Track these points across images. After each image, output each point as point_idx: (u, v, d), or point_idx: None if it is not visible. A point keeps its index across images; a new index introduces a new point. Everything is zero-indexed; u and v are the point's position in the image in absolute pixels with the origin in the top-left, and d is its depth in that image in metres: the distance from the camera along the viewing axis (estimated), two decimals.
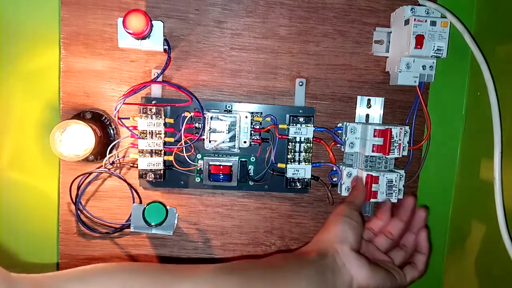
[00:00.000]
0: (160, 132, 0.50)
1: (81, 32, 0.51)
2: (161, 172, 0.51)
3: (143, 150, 0.50)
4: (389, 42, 0.54)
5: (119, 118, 0.50)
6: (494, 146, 0.47)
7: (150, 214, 0.51)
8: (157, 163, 0.51)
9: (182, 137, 0.51)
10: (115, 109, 0.49)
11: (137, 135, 0.50)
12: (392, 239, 0.48)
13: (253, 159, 0.54)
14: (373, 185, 0.50)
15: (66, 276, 0.31)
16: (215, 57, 0.53)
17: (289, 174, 0.52)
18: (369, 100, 0.55)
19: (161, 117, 0.50)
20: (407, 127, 0.51)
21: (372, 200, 0.51)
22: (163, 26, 0.48)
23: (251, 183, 0.54)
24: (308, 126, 0.52)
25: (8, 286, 0.26)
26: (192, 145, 0.52)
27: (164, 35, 0.49)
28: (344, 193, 0.54)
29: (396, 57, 0.52)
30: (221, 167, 0.52)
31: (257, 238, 0.57)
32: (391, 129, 0.49)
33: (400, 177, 0.51)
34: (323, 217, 0.57)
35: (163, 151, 0.51)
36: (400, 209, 0.49)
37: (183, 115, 0.51)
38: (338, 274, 0.41)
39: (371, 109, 0.55)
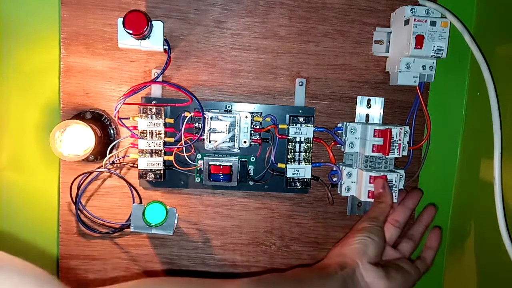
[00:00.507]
0: (160, 132, 0.50)
1: (81, 32, 0.51)
2: (161, 172, 0.51)
3: (143, 150, 0.50)
4: (389, 42, 0.54)
5: (119, 118, 0.50)
6: (494, 146, 0.47)
7: (150, 214, 0.51)
8: (157, 163, 0.51)
9: (182, 137, 0.51)
10: (115, 109, 0.49)
11: (137, 135, 0.50)
12: (398, 227, 0.50)
13: (253, 159, 0.54)
14: (373, 185, 0.50)
15: None
16: (215, 57, 0.53)
17: (289, 174, 0.52)
18: (369, 100, 0.55)
19: (161, 117, 0.50)
20: (407, 127, 0.51)
21: (371, 200, 0.51)
22: (163, 26, 0.48)
23: (251, 183, 0.54)
24: (308, 126, 0.52)
25: None
26: (192, 145, 0.52)
27: (164, 35, 0.49)
28: (344, 193, 0.54)
29: (396, 57, 0.52)
30: (221, 167, 0.52)
31: (257, 238, 0.57)
32: (391, 129, 0.49)
33: (400, 177, 0.51)
34: (323, 217, 0.57)
35: (163, 151, 0.51)
36: (406, 198, 0.52)
37: (183, 115, 0.51)
38: (358, 287, 0.43)
39: (371, 109, 0.55)
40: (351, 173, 0.53)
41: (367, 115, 0.56)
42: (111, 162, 0.52)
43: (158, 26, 0.48)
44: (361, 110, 0.55)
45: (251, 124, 0.52)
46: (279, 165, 0.53)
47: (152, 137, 0.50)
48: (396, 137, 0.49)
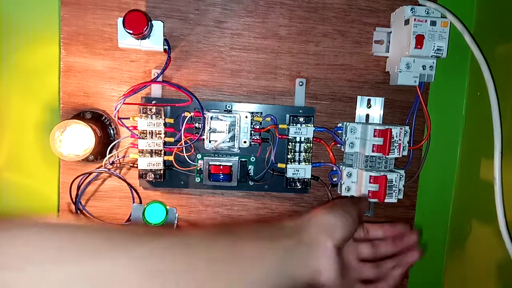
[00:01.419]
0: (160, 132, 0.50)
1: (81, 32, 0.51)
2: (161, 172, 0.51)
3: (143, 150, 0.50)
4: (389, 42, 0.54)
5: (119, 118, 0.50)
6: (494, 146, 0.47)
7: (150, 214, 0.51)
8: (157, 163, 0.50)
9: (182, 137, 0.51)
10: (115, 109, 0.49)
11: (137, 135, 0.50)
12: (373, 252, 0.43)
13: (253, 159, 0.54)
14: (373, 185, 0.50)
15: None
16: (215, 57, 0.53)
17: (289, 174, 0.52)
18: (369, 100, 0.55)
19: (161, 117, 0.50)
20: (407, 127, 0.51)
21: (371, 200, 0.51)
22: (163, 26, 0.48)
23: (251, 183, 0.54)
24: (308, 126, 0.52)
25: None
26: (192, 145, 0.52)
27: (164, 35, 0.49)
28: (344, 193, 0.54)
29: (396, 57, 0.52)
30: (221, 167, 0.52)
31: None
32: (391, 129, 0.49)
33: (400, 177, 0.51)
34: None
35: (163, 151, 0.51)
36: (400, 238, 0.44)
37: (183, 115, 0.51)
38: (303, 265, 0.36)
39: (371, 109, 0.55)
40: (351, 173, 0.53)
41: (367, 115, 0.55)
42: (111, 162, 0.52)
43: (158, 26, 0.48)
44: (361, 110, 0.55)
45: (251, 124, 0.52)
46: (279, 165, 0.53)
47: (152, 137, 0.50)
48: (396, 137, 0.49)
